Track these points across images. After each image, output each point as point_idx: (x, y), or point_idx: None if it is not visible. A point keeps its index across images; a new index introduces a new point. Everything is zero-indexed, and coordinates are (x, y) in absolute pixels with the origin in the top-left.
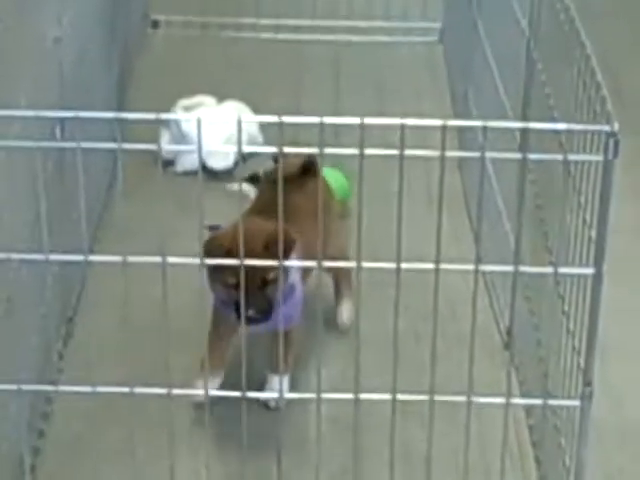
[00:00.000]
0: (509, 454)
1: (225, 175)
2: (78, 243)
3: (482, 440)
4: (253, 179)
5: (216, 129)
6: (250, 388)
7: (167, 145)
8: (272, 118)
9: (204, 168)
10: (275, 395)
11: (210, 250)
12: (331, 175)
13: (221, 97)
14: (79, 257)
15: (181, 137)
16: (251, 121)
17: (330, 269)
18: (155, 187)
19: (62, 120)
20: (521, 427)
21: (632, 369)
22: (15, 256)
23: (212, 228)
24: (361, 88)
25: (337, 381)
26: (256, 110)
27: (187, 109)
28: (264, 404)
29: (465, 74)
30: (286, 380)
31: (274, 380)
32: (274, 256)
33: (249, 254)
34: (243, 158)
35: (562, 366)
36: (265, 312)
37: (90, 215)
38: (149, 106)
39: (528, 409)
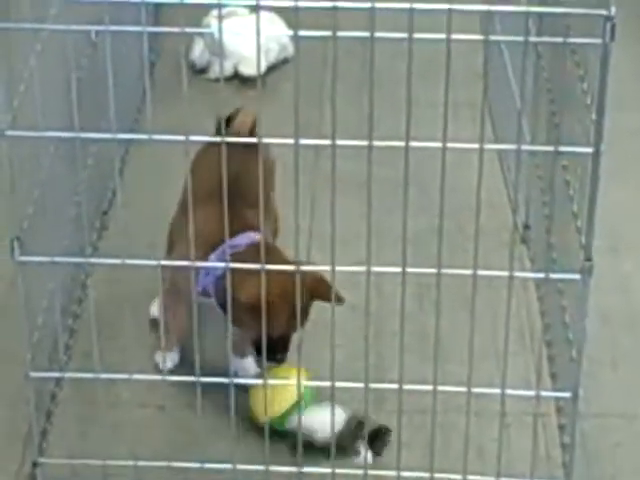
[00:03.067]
0: (521, 338)
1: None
2: (110, 151)
3: (495, 325)
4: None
5: (248, 37)
6: None
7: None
8: (288, 2)
9: (236, 75)
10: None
11: (246, 305)
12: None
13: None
14: (109, 135)
15: (214, 45)
16: (282, 33)
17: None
18: (188, 92)
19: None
20: (534, 316)
21: None
22: (49, 134)
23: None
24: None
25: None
26: (288, 22)
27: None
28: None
29: None
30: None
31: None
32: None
33: (294, 307)
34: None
35: (568, 249)
36: (282, 359)
37: (123, 117)
38: None
39: (540, 297)
